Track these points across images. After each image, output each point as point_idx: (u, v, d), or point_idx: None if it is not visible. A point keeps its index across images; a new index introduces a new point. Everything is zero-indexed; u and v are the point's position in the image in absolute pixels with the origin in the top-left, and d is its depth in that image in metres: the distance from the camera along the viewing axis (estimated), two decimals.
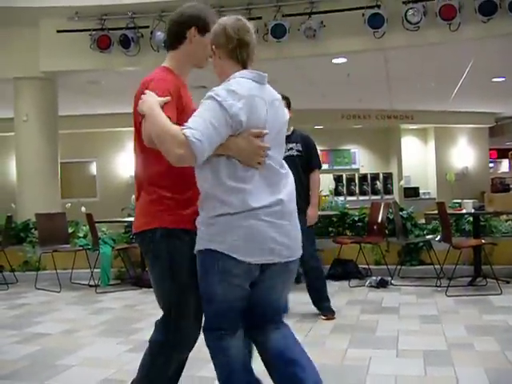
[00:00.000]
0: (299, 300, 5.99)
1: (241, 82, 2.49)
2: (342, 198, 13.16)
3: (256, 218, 2.34)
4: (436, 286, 6.55)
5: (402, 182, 14.54)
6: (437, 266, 6.79)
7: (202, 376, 3.73)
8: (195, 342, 2.72)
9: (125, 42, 8.38)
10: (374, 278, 6.82)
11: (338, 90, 12.19)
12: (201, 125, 2.27)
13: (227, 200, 2.35)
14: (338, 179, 16.74)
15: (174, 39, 2.79)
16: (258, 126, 2.41)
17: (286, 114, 2.70)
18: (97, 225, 7.47)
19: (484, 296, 5.98)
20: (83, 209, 8.26)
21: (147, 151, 2.58)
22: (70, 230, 8.15)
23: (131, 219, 8.00)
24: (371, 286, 6.71)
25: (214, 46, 2.61)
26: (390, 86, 11.79)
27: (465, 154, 17.28)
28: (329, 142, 16.76)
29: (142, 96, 2.55)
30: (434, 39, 8.04)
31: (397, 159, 16.28)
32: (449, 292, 6.12)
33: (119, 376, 3.77)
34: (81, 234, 8.11)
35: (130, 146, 15.11)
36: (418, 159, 17.12)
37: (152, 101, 2.48)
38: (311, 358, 3.94)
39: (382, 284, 6.72)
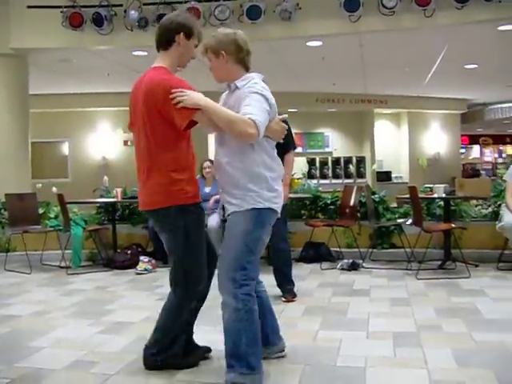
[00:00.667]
0: (271, 282, 6.02)
1: (260, 81, 3.26)
2: (314, 181, 13.19)
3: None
4: (406, 269, 6.63)
5: (375, 166, 14.64)
6: (408, 250, 6.87)
7: None
8: (207, 294, 3.59)
9: (98, 20, 8.23)
10: (346, 260, 6.88)
11: (313, 73, 12.18)
12: (258, 112, 3.03)
13: (275, 168, 3.29)
14: (311, 162, 16.79)
15: (165, 42, 3.34)
16: (275, 113, 3.25)
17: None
18: (68, 206, 7.39)
19: (453, 279, 6.07)
20: (54, 189, 8.16)
21: (164, 140, 3.23)
22: (41, 211, 8.06)
23: (103, 200, 7.96)
24: (343, 269, 6.77)
25: (223, 52, 3.25)
26: (364, 70, 11.82)
27: (437, 140, 17.45)
28: (303, 125, 16.77)
29: (189, 92, 3.13)
30: (408, 24, 8.07)
31: (370, 143, 16.38)
32: (419, 275, 6.20)
33: (90, 357, 3.76)
34: (52, 215, 8.02)
35: (102, 127, 15.06)
36: (390, 144, 17.24)
37: (201, 96, 3.14)
38: (283, 339, 3.99)
39: (353, 267, 6.78)
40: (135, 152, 3.46)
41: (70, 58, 10.08)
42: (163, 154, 3.24)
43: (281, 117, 3.28)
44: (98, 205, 8.22)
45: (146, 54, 9.78)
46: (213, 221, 6.85)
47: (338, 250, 7.35)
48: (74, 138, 14.91)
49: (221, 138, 3.27)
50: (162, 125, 3.19)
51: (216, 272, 3.38)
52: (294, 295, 5.38)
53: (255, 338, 3.14)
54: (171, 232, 3.31)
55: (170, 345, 3.47)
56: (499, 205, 7.00)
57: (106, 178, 8.56)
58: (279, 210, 3.29)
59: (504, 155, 27.36)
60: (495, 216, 7.02)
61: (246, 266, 3.15)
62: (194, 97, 3.11)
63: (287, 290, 5.41)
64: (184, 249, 3.29)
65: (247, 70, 3.34)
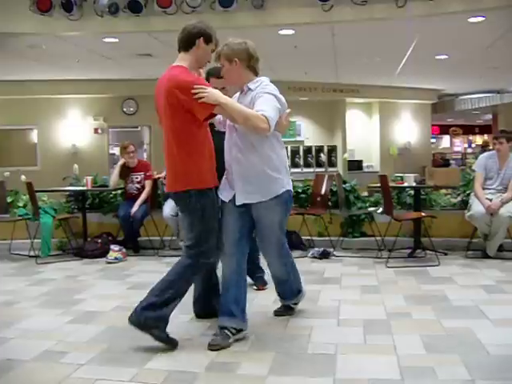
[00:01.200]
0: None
1: (270, 83, 3.91)
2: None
3: None
4: (377, 257, 6.70)
5: (346, 155, 14.67)
6: (378, 238, 6.93)
7: (145, 346, 3.72)
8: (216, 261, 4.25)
9: (67, 6, 8.06)
10: (317, 249, 6.92)
11: (285, 62, 12.16)
12: (270, 109, 3.61)
13: (284, 158, 4.00)
14: None
15: (187, 44, 3.84)
16: (284, 110, 3.91)
17: None
18: (37, 194, 7.30)
19: (423, 267, 6.14)
20: (23, 177, 8.02)
21: (187, 132, 3.70)
22: (9, 200, 7.95)
23: (73, 188, 7.87)
24: (314, 257, 6.81)
25: (236, 59, 3.82)
26: (336, 59, 11.84)
27: (408, 129, 17.58)
28: None
29: (209, 89, 3.60)
30: (380, 15, 8.09)
31: (341, 132, 16.42)
32: (389, 263, 6.26)
33: (60, 347, 3.73)
34: (20, 204, 7.90)
35: (71, 114, 14.84)
36: (362, 133, 17.31)
37: (220, 93, 3.63)
38: (253, 327, 4.01)
39: (324, 255, 6.82)
40: (164, 142, 3.85)
41: (38, 43, 9.89)
42: (187, 145, 3.71)
43: (288, 111, 3.94)
44: (67, 193, 8.12)
45: (116, 40, 9.67)
46: (168, 209, 6.89)
47: (309, 238, 7.38)
48: (43, 126, 14.67)
49: (233, 137, 3.86)
50: (183, 117, 3.66)
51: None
52: (265, 283, 5.39)
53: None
54: (192, 211, 3.79)
55: (161, 305, 3.69)
56: (468, 194, 7.09)
57: (75, 166, 8.45)
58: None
59: (473, 145, 27.72)
60: (464, 205, 7.11)
61: (284, 242, 4.17)
62: (214, 93, 3.59)
63: (258, 278, 5.42)
64: (201, 224, 3.79)
65: (256, 74, 3.96)
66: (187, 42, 3.83)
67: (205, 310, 4.41)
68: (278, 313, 4.48)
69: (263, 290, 5.29)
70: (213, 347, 3.65)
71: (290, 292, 4.41)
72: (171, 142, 3.77)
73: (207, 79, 4.46)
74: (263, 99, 3.67)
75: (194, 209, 3.76)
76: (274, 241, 4.07)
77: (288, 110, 3.94)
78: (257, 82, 3.89)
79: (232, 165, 3.88)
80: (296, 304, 4.49)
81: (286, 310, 4.46)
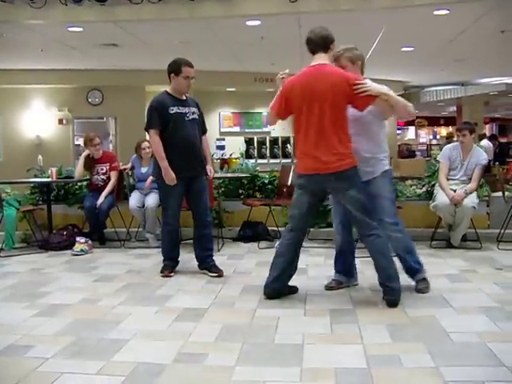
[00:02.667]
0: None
1: None
2: (252, 161, 13.25)
3: None
4: None
5: None
6: None
7: (112, 338, 3.69)
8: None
9: None
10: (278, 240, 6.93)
11: (252, 52, 12.16)
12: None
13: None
14: (249, 142, 16.82)
15: (326, 47, 4.53)
16: None
17: None
18: (0, 186, 7.17)
19: None
20: None
21: (340, 119, 4.33)
22: None
23: (37, 180, 7.75)
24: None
25: (359, 62, 4.69)
26: (302, 50, 11.79)
27: None
28: (241, 105, 16.78)
29: (369, 83, 4.31)
30: (346, 6, 8.16)
31: None
32: (355, 253, 6.30)
33: (26, 341, 3.67)
34: None
35: (35, 105, 14.63)
36: None
37: (379, 86, 4.36)
38: (220, 318, 4.02)
39: None
40: (307, 130, 4.36)
41: (0, 31, 9.70)
42: (342, 130, 4.32)
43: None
44: (32, 185, 7.99)
45: (81, 29, 9.54)
46: (150, 200, 6.83)
47: (275, 229, 7.40)
48: (6, 116, 14.42)
49: (359, 123, 4.47)
50: (343, 108, 4.33)
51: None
52: (220, 269, 5.52)
53: None
54: (359, 184, 4.39)
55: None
56: (433, 185, 7.17)
57: (40, 157, 8.33)
58: None
59: (438, 137, 28.13)
60: (429, 195, 7.20)
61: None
62: (376, 86, 4.30)
63: (213, 266, 5.55)
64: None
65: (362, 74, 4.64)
66: (326, 45, 4.52)
67: (281, 289, 4.65)
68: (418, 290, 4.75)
69: (222, 276, 5.45)
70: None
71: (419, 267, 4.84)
72: (334, 127, 4.28)
73: (179, 67, 5.30)
74: (391, 92, 4.41)
75: (359, 182, 4.38)
76: (390, 214, 4.68)
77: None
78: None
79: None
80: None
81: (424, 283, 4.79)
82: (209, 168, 5.71)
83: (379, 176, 4.58)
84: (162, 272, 5.54)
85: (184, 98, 5.52)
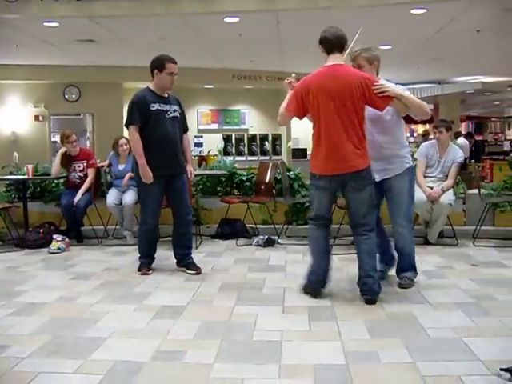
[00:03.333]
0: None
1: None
2: (230, 158, 13.20)
3: None
4: None
5: (290, 143, 14.79)
6: None
7: (89, 336, 3.67)
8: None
9: None
10: (262, 237, 6.94)
11: (230, 49, 12.13)
12: None
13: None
14: (227, 139, 16.80)
15: (342, 48, 4.55)
16: None
17: None
18: None
19: None
20: None
21: (360, 118, 4.41)
22: None
23: (13, 177, 7.66)
24: (258, 245, 6.83)
25: (376, 62, 4.82)
26: (281, 48, 11.87)
27: None
28: (219, 102, 16.73)
29: (387, 84, 4.48)
30: (324, 4, 8.18)
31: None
32: (333, 250, 6.29)
33: (1, 341, 3.64)
34: None
35: (10, 101, 14.42)
36: (306, 121, 17.42)
37: (397, 87, 4.57)
38: (198, 315, 4.02)
39: (268, 243, 6.85)
40: (326, 130, 4.39)
41: None
42: (358, 130, 4.38)
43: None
44: (7, 182, 7.90)
45: (57, 25, 9.43)
46: (128, 197, 6.80)
47: (253, 226, 7.41)
48: None
49: (378, 122, 4.61)
50: (362, 107, 4.39)
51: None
52: (199, 267, 5.55)
53: None
54: (370, 185, 4.47)
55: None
56: None
57: (15, 154, 8.23)
58: None
59: (415, 134, 28.31)
60: None
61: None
62: (394, 88, 4.47)
63: (192, 264, 5.58)
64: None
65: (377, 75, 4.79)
66: (342, 46, 4.55)
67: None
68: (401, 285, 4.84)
69: (200, 273, 5.47)
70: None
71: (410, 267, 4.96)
72: (353, 127, 4.35)
73: (163, 63, 5.30)
74: (407, 92, 4.59)
75: (371, 183, 4.47)
76: (406, 213, 4.95)
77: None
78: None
79: (372, 147, 4.56)
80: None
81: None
82: (189, 169, 5.68)
83: (402, 173, 4.74)
84: (139, 270, 5.52)
85: (166, 95, 5.49)
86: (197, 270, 5.48)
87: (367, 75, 4.48)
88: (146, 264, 5.59)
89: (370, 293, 4.42)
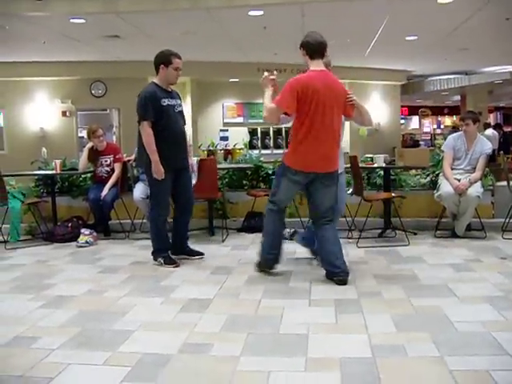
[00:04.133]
0: (214, 252, 6.05)
1: None
2: (256, 152, 13.21)
3: None
4: (347, 237, 6.75)
5: None
6: (348, 219, 6.98)
7: (117, 329, 3.71)
8: None
9: None
10: (288, 230, 6.91)
11: (254, 42, 12.12)
12: None
13: None
14: (252, 132, 16.79)
15: (322, 52, 4.90)
16: None
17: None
18: (5, 178, 7.18)
19: (392, 247, 6.22)
20: None
21: (340, 123, 4.90)
22: None
23: (42, 172, 7.76)
24: (284, 238, 6.79)
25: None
26: None
27: (378, 110, 17.68)
28: (244, 95, 16.71)
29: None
30: None
31: None
32: (359, 243, 6.32)
33: (32, 332, 3.69)
34: None
35: (39, 97, 14.59)
36: None
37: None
38: (225, 308, 4.04)
39: (295, 236, 6.83)
40: (311, 130, 4.67)
41: (2, 24, 9.69)
42: (337, 134, 4.83)
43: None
44: (36, 177, 8.01)
45: (83, 21, 9.52)
46: (138, 191, 6.94)
47: None
48: (10, 109, 14.42)
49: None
50: (341, 114, 4.84)
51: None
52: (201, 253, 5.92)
53: None
54: (336, 183, 4.92)
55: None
56: (437, 174, 7.17)
57: (44, 149, 8.33)
58: None
59: (442, 126, 28.03)
60: (433, 185, 7.20)
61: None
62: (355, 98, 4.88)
63: (192, 250, 5.93)
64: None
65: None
66: (323, 51, 4.88)
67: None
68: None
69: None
70: None
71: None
72: (335, 131, 4.79)
73: (169, 58, 5.41)
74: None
75: (337, 181, 4.93)
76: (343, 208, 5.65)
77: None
78: None
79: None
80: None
81: None
82: (190, 162, 5.99)
83: (342, 172, 5.34)
84: (170, 263, 5.55)
85: (170, 89, 5.60)
86: (202, 254, 5.87)
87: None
88: (171, 257, 5.65)
89: (343, 274, 4.75)
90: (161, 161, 5.33)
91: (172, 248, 5.79)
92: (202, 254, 5.89)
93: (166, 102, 5.43)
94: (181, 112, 5.63)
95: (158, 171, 5.33)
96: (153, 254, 5.72)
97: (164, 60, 5.42)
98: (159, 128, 5.38)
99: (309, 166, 4.74)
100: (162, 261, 5.59)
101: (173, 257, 5.67)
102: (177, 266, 5.51)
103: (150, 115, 5.34)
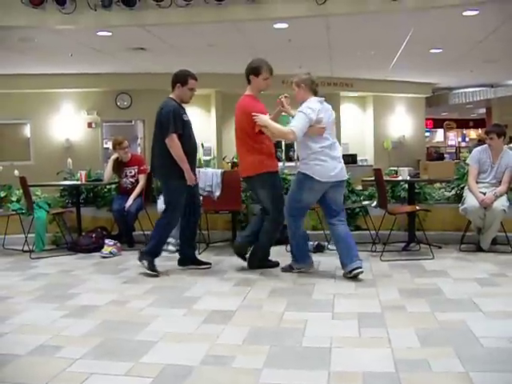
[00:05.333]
0: (237, 264, 6.04)
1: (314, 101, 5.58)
2: (280, 164, 13.18)
3: None
4: (371, 250, 6.71)
5: (340, 149, 14.68)
6: (372, 232, 6.94)
7: (140, 340, 3.72)
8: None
9: None
10: (311, 242, 6.89)
11: (279, 55, 12.12)
12: (297, 123, 5.41)
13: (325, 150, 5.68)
14: (276, 144, 16.71)
15: (247, 78, 5.88)
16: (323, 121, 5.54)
17: (333, 115, 5.87)
18: (31, 189, 7.27)
19: (417, 260, 6.16)
20: (16, 172, 7.98)
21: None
22: (3, 194, 7.92)
23: (67, 183, 7.85)
24: (309, 251, 6.78)
25: (303, 85, 5.75)
26: (330, 53, 11.83)
27: (402, 123, 17.61)
28: (269, 108, 16.64)
29: (259, 115, 5.65)
30: (374, 8, 8.10)
31: (336, 126, 16.42)
32: (383, 257, 6.27)
33: (56, 342, 3.72)
34: (14, 199, 7.87)
35: (65, 108, 14.77)
36: (356, 127, 17.32)
37: (264, 117, 5.65)
38: (248, 321, 4.03)
39: (318, 248, 6.82)
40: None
41: (31, 37, 9.85)
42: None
43: (322, 126, 5.59)
44: (61, 188, 8.10)
45: (110, 34, 9.64)
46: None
47: None
48: (36, 120, 14.63)
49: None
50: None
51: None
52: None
53: None
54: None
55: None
56: (462, 187, 7.10)
57: (69, 160, 8.43)
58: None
59: (467, 139, 27.77)
60: (458, 198, 7.13)
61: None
62: (261, 118, 5.62)
63: (199, 260, 6.09)
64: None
65: (315, 95, 5.77)
66: (248, 76, 5.95)
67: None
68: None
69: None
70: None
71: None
72: (239, 140, 5.85)
73: (186, 79, 5.80)
74: (296, 116, 5.47)
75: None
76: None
77: (323, 125, 5.54)
78: (308, 100, 5.61)
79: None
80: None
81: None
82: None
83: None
84: (151, 270, 5.72)
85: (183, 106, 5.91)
86: (210, 264, 6.01)
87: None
88: (154, 263, 5.82)
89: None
90: (180, 171, 5.62)
91: (180, 259, 6.02)
92: (209, 263, 6.03)
93: (186, 117, 5.77)
94: (192, 127, 5.95)
95: (191, 178, 5.68)
96: (142, 253, 5.83)
97: (181, 80, 5.76)
98: (183, 141, 5.65)
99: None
100: (146, 264, 5.71)
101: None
102: (156, 276, 5.64)
103: (179, 128, 5.62)
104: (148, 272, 5.67)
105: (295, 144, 5.67)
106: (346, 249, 5.42)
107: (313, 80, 5.73)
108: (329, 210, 5.59)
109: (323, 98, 5.75)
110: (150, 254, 5.77)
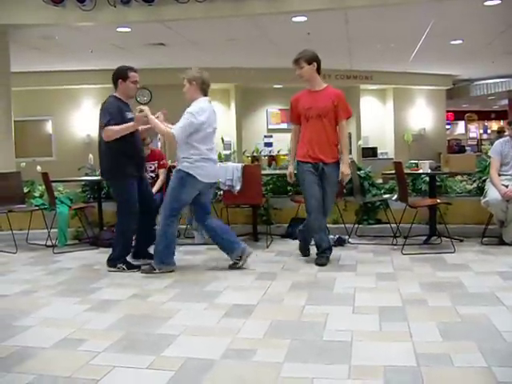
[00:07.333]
0: (258, 258, 6.05)
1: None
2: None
3: None
4: (392, 244, 6.69)
5: (361, 142, 14.63)
6: (393, 225, 6.91)
7: (161, 333, 3.75)
8: None
9: None
10: (332, 236, 6.88)
11: (298, 48, 12.06)
12: (178, 126, 5.42)
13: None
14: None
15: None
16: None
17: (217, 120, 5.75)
18: (53, 184, 7.35)
19: (438, 254, 6.13)
20: (39, 168, 8.07)
21: None
22: (26, 190, 8.01)
23: (88, 178, 7.92)
24: (331, 245, 6.77)
25: (194, 82, 5.56)
26: (350, 46, 11.77)
27: (422, 116, 17.47)
28: (288, 102, 16.57)
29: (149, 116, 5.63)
30: (394, 0, 8.03)
31: (355, 119, 16.35)
32: (404, 250, 6.25)
33: (78, 335, 3.76)
34: (37, 194, 7.98)
35: (86, 104, 14.85)
36: (376, 120, 17.23)
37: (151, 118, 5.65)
38: (269, 314, 4.03)
39: (339, 242, 6.82)
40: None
41: (52, 34, 9.94)
42: None
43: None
44: (83, 183, 8.18)
45: (129, 30, 9.69)
46: None
47: None
48: (58, 116, 14.76)
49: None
50: None
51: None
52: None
53: None
54: None
55: None
56: (484, 180, 7.04)
57: (91, 155, 8.49)
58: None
59: (489, 131, 27.45)
60: (480, 191, 7.07)
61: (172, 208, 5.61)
62: (151, 119, 5.54)
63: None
64: None
65: (206, 95, 5.67)
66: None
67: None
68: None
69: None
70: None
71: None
72: None
73: (126, 72, 5.86)
74: (182, 117, 5.45)
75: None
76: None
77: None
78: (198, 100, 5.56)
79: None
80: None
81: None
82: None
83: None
84: (132, 268, 5.77)
85: (128, 103, 5.90)
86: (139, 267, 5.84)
87: None
88: (128, 261, 5.88)
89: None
90: (126, 169, 5.65)
91: (134, 252, 6.07)
92: (138, 267, 5.89)
93: (129, 115, 5.71)
94: None
95: (138, 119, 5.58)
96: (112, 260, 5.83)
97: (122, 75, 5.79)
98: (125, 140, 5.60)
99: None
100: (125, 266, 5.75)
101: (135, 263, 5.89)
102: (138, 270, 5.69)
103: (112, 120, 5.56)
104: (129, 272, 5.68)
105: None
106: (233, 235, 5.75)
107: (204, 80, 5.61)
108: (203, 208, 5.74)
109: (209, 98, 5.68)
110: (120, 258, 5.81)
